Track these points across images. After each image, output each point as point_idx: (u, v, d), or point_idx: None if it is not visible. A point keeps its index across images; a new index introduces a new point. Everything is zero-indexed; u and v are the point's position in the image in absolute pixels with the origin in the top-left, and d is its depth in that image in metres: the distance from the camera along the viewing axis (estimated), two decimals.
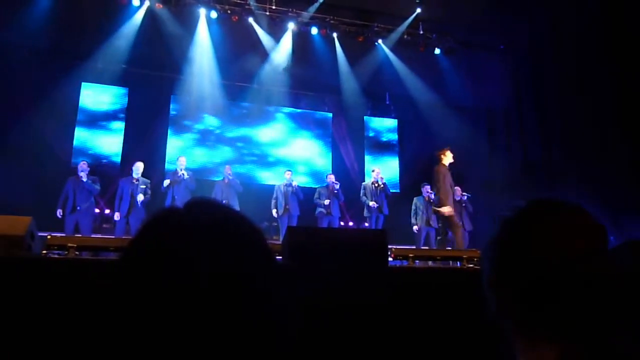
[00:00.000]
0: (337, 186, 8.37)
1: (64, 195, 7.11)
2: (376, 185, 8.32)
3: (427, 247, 7.92)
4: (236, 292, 0.51)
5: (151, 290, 0.49)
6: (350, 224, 10.10)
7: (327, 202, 8.27)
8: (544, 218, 0.75)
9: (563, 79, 8.87)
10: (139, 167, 7.45)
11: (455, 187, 8.38)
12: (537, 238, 0.73)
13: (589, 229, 0.74)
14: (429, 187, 8.30)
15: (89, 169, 7.26)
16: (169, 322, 0.48)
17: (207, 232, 0.54)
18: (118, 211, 7.29)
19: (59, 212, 7.02)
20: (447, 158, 6.99)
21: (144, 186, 7.40)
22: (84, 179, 7.07)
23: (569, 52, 8.67)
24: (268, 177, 10.58)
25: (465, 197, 8.27)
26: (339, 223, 8.87)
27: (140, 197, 7.31)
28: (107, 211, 8.27)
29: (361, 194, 8.47)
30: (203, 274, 0.50)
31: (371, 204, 8.23)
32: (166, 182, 7.60)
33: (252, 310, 0.51)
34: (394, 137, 11.92)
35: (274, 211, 8.31)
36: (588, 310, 0.68)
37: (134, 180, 7.37)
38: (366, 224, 8.62)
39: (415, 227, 8.16)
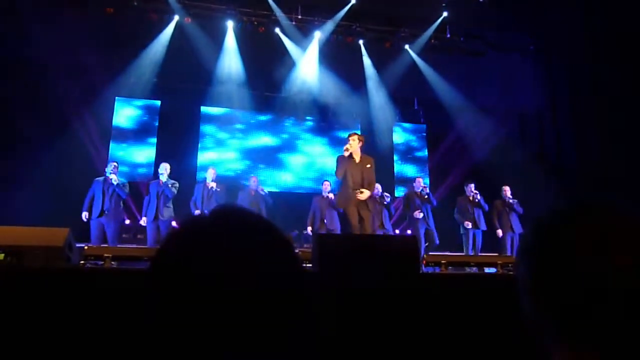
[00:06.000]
0: (389, 198, 8.04)
1: (89, 197, 6.71)
2: (419, 195, 7.97)
3: (471, 253, 7.57)
4: (263, 300, 0.51)
5: (179, 299, 0.50)
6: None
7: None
8: (589, 222, 0.69)
9: (601, 81, 8.58)
10: (165, 167, 7.13)
11: (505, 187, 8.02)
12: (580, 244, 0.67)
13: (636, 235, 0.68)
14: (472, 185, 7.89)
15: (117, 171, 6.85)
16: (197, 331, 0.48)
17: (233, 240, 0.54)
18: (145, 215, 7.01)
19: (85, 215, 6.63)
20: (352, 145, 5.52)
21: (171, 187, 7.02)
22: (114, 182, 6.67)
23: (607, 52, 8.38)
24: (297, 186, 10.62)
25: (514, 202, 7.89)
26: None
27: (168, 200, 7.02)
28: (135, 221, 8.22)
29: (403, 205, 8.15)
30: (229, 283, 0.50)
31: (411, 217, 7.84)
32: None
33: (279, 317, 0.51)
34: (423, 141, 11.79)
35: (309, 229, 7.87)
36: (636, 324, 0.64)
37: (161, 182, 7.05)
38: (409, 231, 8.35)
39: (467, 224, 7.71)
